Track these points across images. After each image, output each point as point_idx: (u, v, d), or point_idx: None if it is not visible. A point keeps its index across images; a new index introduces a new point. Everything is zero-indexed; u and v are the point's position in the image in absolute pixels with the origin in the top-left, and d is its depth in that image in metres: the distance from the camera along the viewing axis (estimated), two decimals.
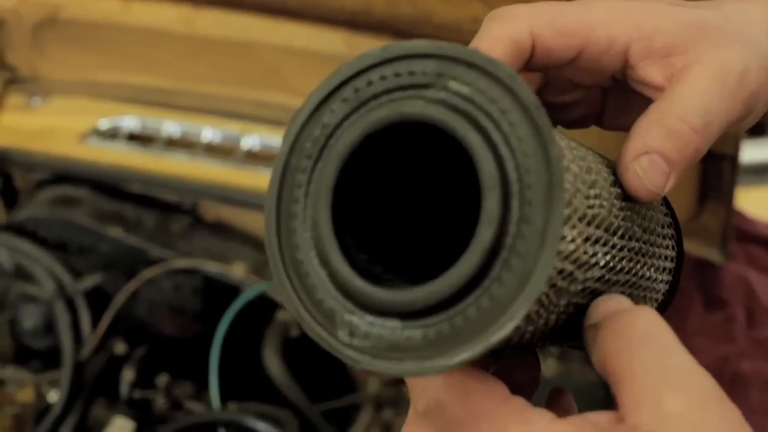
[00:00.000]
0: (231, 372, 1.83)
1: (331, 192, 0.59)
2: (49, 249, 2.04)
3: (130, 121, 2.25)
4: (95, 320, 1.95)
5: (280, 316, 1.92)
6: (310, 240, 0.60)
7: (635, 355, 0.58)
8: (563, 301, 0.63)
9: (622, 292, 0.68)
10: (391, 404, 2.01)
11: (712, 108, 0.67)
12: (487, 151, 0.56)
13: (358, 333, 0.58)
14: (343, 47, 2.00)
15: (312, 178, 0.61)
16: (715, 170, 1.79)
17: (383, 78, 0.61)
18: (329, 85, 0.61)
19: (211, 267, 1.97)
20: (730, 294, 1.74)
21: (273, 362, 1.83)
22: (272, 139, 2.18)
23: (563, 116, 0.78)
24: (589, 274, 0.63)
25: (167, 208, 2.15)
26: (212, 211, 2.16)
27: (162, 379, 1.87)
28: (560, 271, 0.60)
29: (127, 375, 1.88)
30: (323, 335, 0.59)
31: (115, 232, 2.05)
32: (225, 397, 1.81)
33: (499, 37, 0.68)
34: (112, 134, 2.23)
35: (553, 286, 0.60)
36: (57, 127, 2.30)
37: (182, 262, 1.97)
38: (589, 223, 0.62)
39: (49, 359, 1.96)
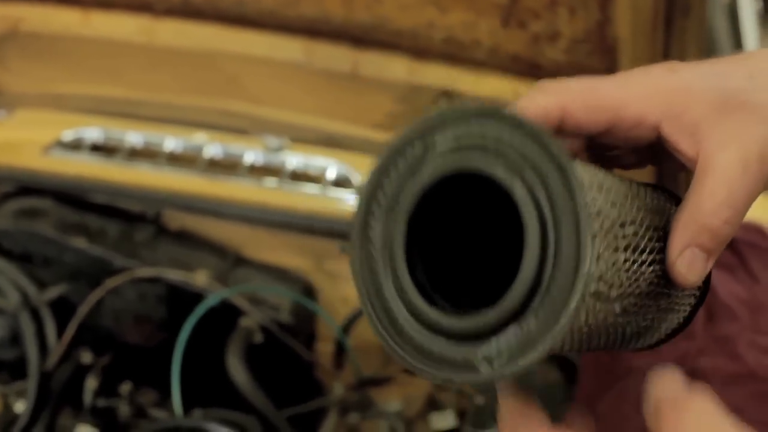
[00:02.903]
0: (196, 379, 1.79)
1: (406, 266, 0.67)
2: (14, 261, 2.00)
3: (93, 132, 2.21)
4: (61, 330, 1.89)
5: (244, 322, 1.88)
6: (413, 321, 0.67)
7: None
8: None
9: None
10: (357, 408, 1.97)
11: (738, 196, 0.71)
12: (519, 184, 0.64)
13: (494, 357, 0.64)
14: (301, 55, 1.97)
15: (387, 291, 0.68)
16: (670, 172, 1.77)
17: (389, 180, 0.68)
18: (359, 217, 0.69)
19: (175, 275, 1.92)
20: None
21: (236, 368, 1.78)
22: (235, 147, 2.14)
23: (615, 164, 0.82)
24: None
25: (131, 218, 2.11)
26: (176, 220, 2.11)
27: (125, 387, 1.82)
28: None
29: (91, 384, 1.83)
30: (473, 378, 0.64)
31: (79, 242, 2.00)
32: (190, 405, 1.76)
33: (531, 105, 0.73)
34: (75, 146, 2.19)
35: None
36: (20, 140, 2.26)
37: (146, 271, 1.92)
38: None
39: (16, 370, 1.91)
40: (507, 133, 0.64)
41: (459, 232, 0.74)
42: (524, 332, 0.63)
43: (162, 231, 2.10)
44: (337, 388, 1.96)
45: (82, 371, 1.88)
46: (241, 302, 1.90)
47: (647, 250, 0.72)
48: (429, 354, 0.66)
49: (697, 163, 0.73)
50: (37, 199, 2.12)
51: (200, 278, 1.92)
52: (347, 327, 1.99)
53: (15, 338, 1.93)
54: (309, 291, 2.04)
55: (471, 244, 0.76)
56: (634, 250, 0.71)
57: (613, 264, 0.68)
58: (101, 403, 1.83)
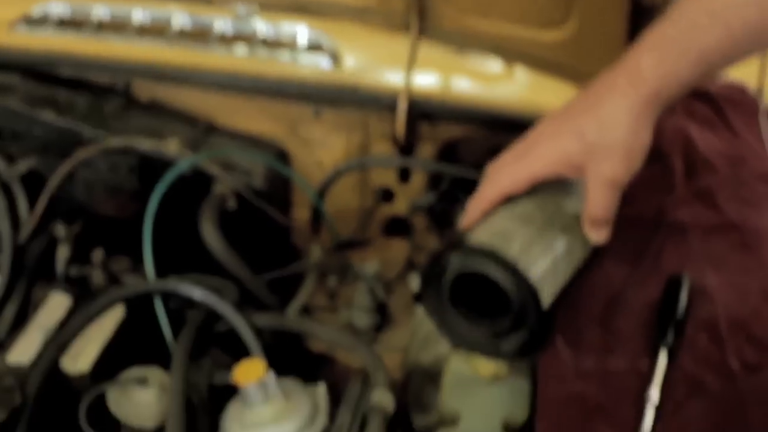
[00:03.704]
0: (171, 248, 1.72)
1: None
2: None
3: (59, 6, 2.12)
4: (33, 204, 1.83)
5: (217, 189, 1.81)
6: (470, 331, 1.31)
7: None
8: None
9: None
10: (336, 272, 1.93)
11: (601, 202, 1.26)
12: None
13: (512, 347, 1.28)
14: None
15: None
16: (647, 24, 1.72)
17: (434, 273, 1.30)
18: None
19: (145, 144, 1.85)
20: (670, 146, 1.67)
21: (210, 234, 1.72)
22: (203, 17, 2.05)
23: None
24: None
25: (100, 90, 2.04)
26: (146, 91, 2.04)
27: (98, 254, 1.76)
28: None
29: (63, 252, 1.77)
30: (499, 355, 1.32)
31: (48, 115, 1.93)
32: (166, 274, 1.69)
33: (484, 202, 1.30)
34: (41, 21, 2.11)
35: None
36: None
37: (116, 141, 1.85)
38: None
39: None
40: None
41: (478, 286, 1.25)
42: (520, 336, 1.25)
43: (132, 102, 2.03)
44: (315, 252, 1.91)
45: (56, 244, 1.82)
46: (213, 169, 1.83)
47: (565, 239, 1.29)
48: (475, 343, 1.30)
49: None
50: (4, 75, 2.05)
51: (172, 146, 1.85)
52: (322, 191, 1.94)
53: None
54: (283, 157, 1.98)
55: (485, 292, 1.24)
56: (569, 237, 1.29)
57: (554, 260, 1.25)
58: (74, 271, 1.77)
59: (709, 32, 1.27)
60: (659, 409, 1.24)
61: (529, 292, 1.19)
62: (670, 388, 1.27)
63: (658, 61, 1.25)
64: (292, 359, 1.67)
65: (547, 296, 1.23)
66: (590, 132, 1.24)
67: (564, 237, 1.28)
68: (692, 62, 1.26)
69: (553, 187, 1.32)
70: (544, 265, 1.23)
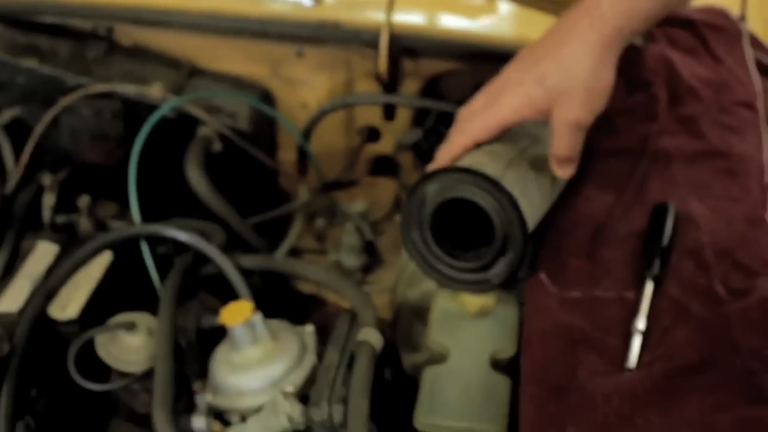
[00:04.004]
0: (158, 193, 1.71)
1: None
2: None
3: None
4: (19, 154, 1.81)
5: (202, 132, 1.80)
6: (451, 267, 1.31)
7: None
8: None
9: None
10: (324, 214, 1.92)
11: (566, 142, 1.29)
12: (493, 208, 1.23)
13: (499, 274, 1.27)
14: None
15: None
16: None
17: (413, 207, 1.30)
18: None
19: (129, 89, 1.84)
20: (652, 75, 1.65)
21: (196, 177, 1.71)
22: None
23: None
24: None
25: (82, 36, 2.01)
26: (128, 36, 2.02)
27: (84, 200, 1.74)
28: None
29: (48, 200, 1.76)
30: (490, 287, 1.29)
31: (31, 63, 1.91)
32: (153, 218, 1.68)
33: (455, 148, 1.30)
34: None
35: None
36: None
37: (99, 87, 1.84)
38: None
39: None
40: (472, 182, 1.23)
41: (459, 218, 1.27)
42: (507, 260, 1.24)
43: (114, 47, 2.01)
44: (302, 193, 1.90)
45: (43, 194, 1.81)
46: (197, 111, 1.82)
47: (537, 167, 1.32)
48: (462, 281, 1.30)
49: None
50: None
51: (155, 90, 1.84)
52: (308, 132, 1.92)
53: None
54: (267, 98, 1.96)
55: (466, 222, 1.27)
56: (537, 173, 1.31)
57: (526, 186, 1.27)
58: (61, 219, 1.76)
59: None
60: (646, 337, 1.24)
61: (512, 205, 1.21)
62: (657, 316, 1.26)
63: None
64: (281, 301, 1.67)
65: (528, 216, 1.24)
66: (552, 76, 1.26)
67: (533, 172, 1.31)
68: None
69: (521, 130, 1.36)
70: (519, 191, 1.24)
